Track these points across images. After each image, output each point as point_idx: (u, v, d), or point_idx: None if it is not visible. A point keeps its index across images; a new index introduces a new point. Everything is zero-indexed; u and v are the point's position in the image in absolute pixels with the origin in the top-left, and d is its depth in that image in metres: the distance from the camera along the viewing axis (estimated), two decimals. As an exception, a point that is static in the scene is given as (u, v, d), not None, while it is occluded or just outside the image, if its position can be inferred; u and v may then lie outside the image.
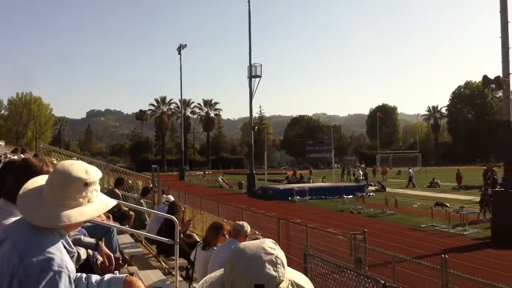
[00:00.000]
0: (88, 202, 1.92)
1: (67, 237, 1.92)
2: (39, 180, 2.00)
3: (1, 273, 1.76)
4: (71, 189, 1.87)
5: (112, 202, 2.06)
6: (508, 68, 17.20)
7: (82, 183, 1.88)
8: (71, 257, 1.89)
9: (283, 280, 1.36)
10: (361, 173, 48.36)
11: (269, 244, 1.41)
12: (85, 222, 2.00)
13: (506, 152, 18.39)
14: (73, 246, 1.93)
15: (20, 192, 1.95)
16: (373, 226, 19.05)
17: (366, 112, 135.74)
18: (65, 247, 1.86)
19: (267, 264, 1.35)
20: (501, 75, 17.17)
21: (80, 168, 1.91)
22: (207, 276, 1.50)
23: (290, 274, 1.43)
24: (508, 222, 15.99)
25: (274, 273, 1.34)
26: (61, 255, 1.80)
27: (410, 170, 46.65)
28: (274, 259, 1.36)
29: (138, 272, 7.16)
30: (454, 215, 19.39)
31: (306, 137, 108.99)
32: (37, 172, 2.18)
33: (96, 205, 1.96)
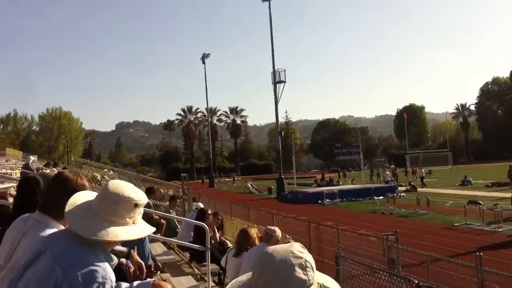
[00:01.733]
0: (133, 223, 1.99)
1: (108, 251, 1.97)
2: (86, 195, 2.07)
3: (43, 286, 1.79)
4: (122, 207, 1.94)
5: (152, 229, 2.12)
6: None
7: (133, 203, 1.96)
8: (112, 268, 1.94)
9: (312, 284, 1.37)
10: (388, 173, 47.90)
11: (298, 248, 1.41)
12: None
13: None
14: (113, 258, 1.99)
15: (68, 205, 2.01)
16: (405, 226, 18.84)
17: (393, 113, 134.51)
18: (106, 260, 1.91)
19: (296, 268, 1.35)
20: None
21: (130, 189, 2.00)
22: (234, 280, 1.51)
23: (319, 278, 1.44)
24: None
25: (304, 277, 1.35)
26: (104, 266, 1.85)
27: (422, 170, 46.38)
28: (303, 262, 1.37)
29: (171, 278, 7.26)
30: (488, 212, 19.04)
31: (334, 140, 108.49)
32: (73, 186, 2.26)
33: (140, 227, 2.03)
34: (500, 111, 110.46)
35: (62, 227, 2.23)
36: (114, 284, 1.88)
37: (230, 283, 1.50)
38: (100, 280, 1.80)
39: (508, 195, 28.92)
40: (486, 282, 7.79)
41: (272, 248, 1.43)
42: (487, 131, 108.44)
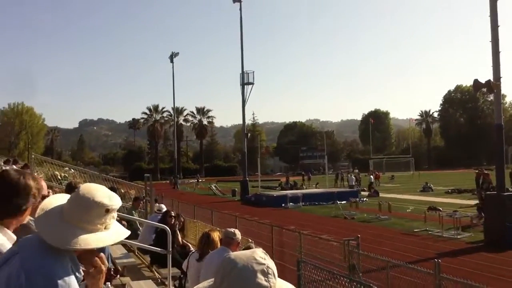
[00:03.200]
0: (105, 228, 1.90)
1: (76, 260, 1.88)
2: (59, 199, 1.98)
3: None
4: (92, 213, 1.85)
5: (126, 233, 2.04)
6: (499, 72, 17.26)
7: (104, 209, 1.87)
8: (78, 282, 1.85)
9: None
10: (353, 178, 48.43)
11: (260, 254, 1.40)
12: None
13: (497, 156, 18.45)
14: (81, 271, 1.90)
15: (39, 209, 1.93)
16: (366, 231, 19.02)
17: (359, 118, 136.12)
18: (73, 270, 1.82)
19: (258, 274, 1.34)
20: (492, 79, 17.23)
21: (103, 193, 1.91)
22: (196, 286, 1.49)
23: (280, 284, 1.42)
24: (501, 225, 16.04)
25: (265, 283, 1.34)
26: (68, 279, 1.77)
27: (371, 176, 47.17)
28: (265, 269, 1.36)
29: (131, 282, 7.12)
30: (447, 219, 19.40)
31: (299, 143, 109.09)
32: (14, 185, 2.15)
33: (112, 233, 1.94)
34: (462, 119, 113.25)
35: (5, 230, 2.15)
36: None
37: None
38: None
39: (468, 201, 29.66)
40: (444, 288, 7.87)
41: (234, 254, 1.42)
42: (449, 138, 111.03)
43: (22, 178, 2.21)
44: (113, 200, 1.91)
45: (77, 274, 1.84)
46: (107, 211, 1.88)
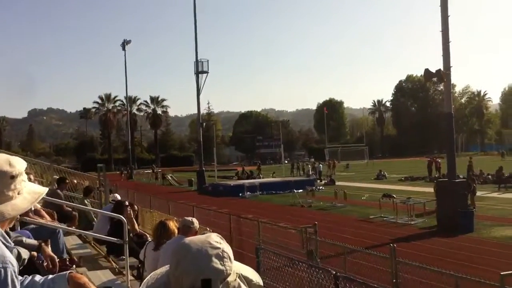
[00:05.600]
0: (18, 194, 1.83)
1: (3, 232, 1.81)
2: None
3: None
4: None
5: (44, 189, 1.97)
6: (449, 62, 17.72)
7: (8, 176, 1.79)
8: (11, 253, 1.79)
9: (230, 274, 1.37)
10: (310, 167, 48.99)
11: (215, 238, 1.42)
12: (20, 215, 1.91)
13: (448, 143, 18.99)
14: (10, 241, 1.84)
15: None
16: (323, 219, 19.26)
17: (314, 107, 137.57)
18: (3, 243, 1.76)
19: (213, 258, 1.35)
20: (442, 69, 17.67)
21: (2, 161, 1.82)
22: (152, 273, 1.49)
23: (237, 268, 1.44)
24: (453, 211, 16.55)
25: (221, 267, 1.35)
26: (1, 251, 1.70)
27: (320, 165, 48.03)
28: (220, 253, 1.37)
29: (88, 273, 6.96)
30: (401, 205, 19.87)
31: (255, 133, 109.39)
32: None
33: (27, 195, 1.87)
34: (413, 108, 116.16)
35: None
36: (16, 268, 1.72)
37: (149, 276, 1.48)
38: (0, 265, 1.66)
39: (420, 188, 30.49)
40: (400, 272, 8.06)
41: (189, 239, 1.43)
42: (401, 127, 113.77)
43: None
44: (14, 164, 1.83)
45: (7, 244, 1.79)
46: (12, 177, 1.81)
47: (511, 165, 33.06)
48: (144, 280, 1.48)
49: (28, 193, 1.88)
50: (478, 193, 22.36)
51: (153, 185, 48.63)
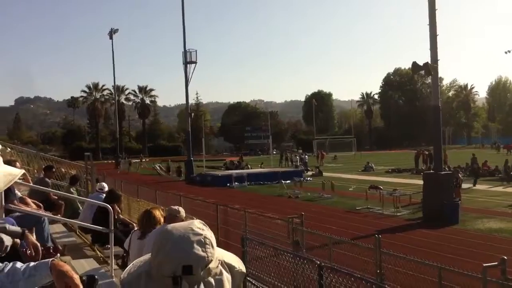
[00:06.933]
0: None
1: None
2: None
3: None
4: None
5: (18, 171, 1.97)
6: (436, 55, 17.79)
7: None
8: None
9: (212, 260, 1.37)
10: (298, 158, 49.06)
11: (198, 225, 1.41)
12: (5, 202, 1.91)
13: (435, 136, 19.10)
14: None
15: None
16: (310, 209, 19.32)
17: (302, 99, 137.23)
18: None
19: (195, 245, 1.35)
20: (429, 62, 17.73)
21: None
22: (135, 260, 1.49)
23: (220, 254, 1.43)
24: (438, 203, 16.69)
25: (202, 253, 1.34)
26: None
27: (306, 156, 48.10)
28: (202, 239, 1.37)
29: (72, 261, 6.94)
30: (387, 197, 20.01)
31: (244, 124, 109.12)
32: None
33: (1, 176, 1.86)
34: (401, 101, 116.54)
35: None
36: None
37: (132, 263, 1.48)
38: None
39: (407, 180, 30.70)
40: (384, 263, 8.13)
41: (171, 226, 1.42)
42: (389, 119, 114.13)
43: None
44: None
45: None
46: None
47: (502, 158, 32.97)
48: (126, 268, 1.47)
49: (3, 174, 1.87)
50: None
51: (140, 174, 48.40)
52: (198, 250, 1.34)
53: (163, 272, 1.33)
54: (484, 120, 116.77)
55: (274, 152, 63.32)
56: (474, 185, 27.00)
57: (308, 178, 34.54)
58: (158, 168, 49.42)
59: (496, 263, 6.63)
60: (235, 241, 10.02)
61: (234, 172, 36.83)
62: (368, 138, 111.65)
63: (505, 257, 6.62)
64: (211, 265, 1.37)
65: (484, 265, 6.54)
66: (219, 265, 1.41)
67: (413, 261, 7.71)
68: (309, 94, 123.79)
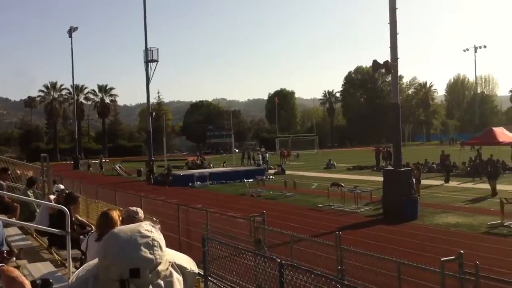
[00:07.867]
0: None
1: None
2: None
3: None
4: None
5: None
6: (396, 53, 18.08)
7: None
8: None
9: (160, 262, 1.35)
10: (260, 157, 49.18)
11: (146, 227, 1.39)
12: None
13: (395, 133, 19.42)
14: None
15: None
16: (272, 208, 19.41)
17: (265, 97, 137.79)
18: None
19: (142, 247, 1.33)
20: (389, 60, 18.02)
21: None
22: (85, 264, 1.48)
23: (171, 256, 1.42)
24: (397, 199, 16.98)
25: (150, 256, 1.32)
26: None
27: (267, 154, 48.39)
28: (150, 241, 1.35)
29: (28, 265, 6.76)
30: (348, 194, 20.24)
31: (206, 123, 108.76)
32: None
33: None
34: (362, 99, 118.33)
35: None
36: None
37: (81, 267, 1.46)
38: None
39: (368, 177, 31.17)
40: (345, 259, 8.21)
41: (119, 228, 1.41)
42: (350, 117, 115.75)
43: None
44: None
45: None
46: None
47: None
48: (75, 272, 1.45)
49: None
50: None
51: (100, 175, 47.64)
52: (145, 252, 1.32)
53: (111, 276, 1.31)
54: (443, 117, 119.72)
55: (237, 151, 63.32)
56: (447, 182, 27.26)
57: (271, 177, 34.65)
58: (118, 168, 48.69)
59: (453, 257, 6.77)
60: (197, 240, 9.93)
61: (196, 171, 36.62)
62: (330, 136, 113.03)
63: (462, 251, 6.76)
64: (160, 267, 1.35)
65: (442, 259, 6.67)
66: (170, 267, 1.39)
67: (373, 256, 7.81)
68: (272, 92, 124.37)
